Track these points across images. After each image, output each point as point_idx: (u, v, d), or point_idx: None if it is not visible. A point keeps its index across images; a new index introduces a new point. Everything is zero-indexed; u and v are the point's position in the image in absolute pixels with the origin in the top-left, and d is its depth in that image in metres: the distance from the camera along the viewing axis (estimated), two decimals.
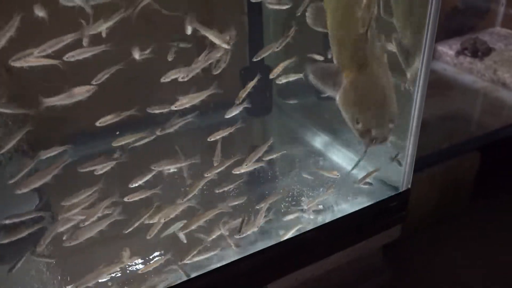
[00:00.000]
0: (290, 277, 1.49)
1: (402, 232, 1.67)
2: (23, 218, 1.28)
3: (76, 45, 1.12)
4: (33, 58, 1.06)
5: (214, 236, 1.40)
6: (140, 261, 1.40)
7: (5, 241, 1.24)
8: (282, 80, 1.63)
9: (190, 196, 1.38)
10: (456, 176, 1.98)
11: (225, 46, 1.21)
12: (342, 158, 1.84)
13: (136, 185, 1.33)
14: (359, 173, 1.72)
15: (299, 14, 1.48)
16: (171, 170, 1.41)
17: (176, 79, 1.30)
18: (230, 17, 1.83)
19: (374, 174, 1.68)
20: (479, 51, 2.67)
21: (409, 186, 1.62)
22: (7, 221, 1.25)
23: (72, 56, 1.11)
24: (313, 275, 1.53)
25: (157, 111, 1.32)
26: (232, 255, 1.39)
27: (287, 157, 1.74)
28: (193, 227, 1.36)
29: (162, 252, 1.41)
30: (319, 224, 1.49)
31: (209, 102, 1.43)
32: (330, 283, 1.58)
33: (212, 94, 1.42)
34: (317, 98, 1.98)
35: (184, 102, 1.33)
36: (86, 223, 1.26)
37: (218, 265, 1.34)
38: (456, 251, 1.74)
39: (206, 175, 1.41)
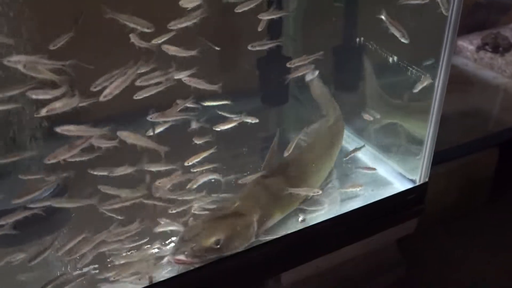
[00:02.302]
0: (305, 267, 1.48)
1: (418, 226, 1.65)
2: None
3: None
4: None
5: None
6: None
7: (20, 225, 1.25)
8: None
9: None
10: (474, 171, 1.96)
11: (146, 30, 1.16)
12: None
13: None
14: (376, 165, 1.71)
15: None
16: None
17: None
18: None
19: (392, 167, 1.67)
20: (500, 47, 2.62)
21: (427, 179, 1.60)
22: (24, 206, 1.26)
23: None
24: (328, 266, 1.52)
25: None
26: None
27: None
28: None
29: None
30: (335, 215, 1.47)
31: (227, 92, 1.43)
32: (345, 274, 1.57)
33: (231, 84, 1.42)
34: (334, 89, 1.97)
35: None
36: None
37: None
38: (473, 246, 1.71)
39: None
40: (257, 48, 1.41)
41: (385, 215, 1.57)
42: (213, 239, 1.26)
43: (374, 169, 1.67)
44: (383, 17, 1.39)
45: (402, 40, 1.40)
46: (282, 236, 1.41)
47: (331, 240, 1.50)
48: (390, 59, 1.72)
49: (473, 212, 1.86)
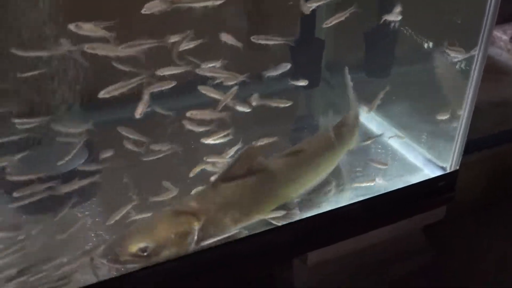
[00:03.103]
0: (331, 248, 1.49)
1: (447, 214, 1.64)
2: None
3: None
4: None
5: None
6: None
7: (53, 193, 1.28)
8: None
9: None
10: (505, 162, 1.93)
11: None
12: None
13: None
14: (408, 155, 1.70)
15: None
16: None
17: None
18: None
19: (422, 153, 1.66)
20: None
21: (458, 167, 1.59)
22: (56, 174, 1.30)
23: None
24: (354, 249, 1.53)
25: None
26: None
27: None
28: None
29: None
30: (364, 198, 1.48)
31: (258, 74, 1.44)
32: (370, 258, 1.58)
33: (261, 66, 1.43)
34: (366, 75, 1.96)
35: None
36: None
37: (263, 229, 1.35)
38: (502, 237, 1.70)
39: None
40: (260, 42, 1.38)
41: (414, 201, 1.57)
42: (139, 246, 1.16)
43: (386, 164, 1.63)
44: None
45: None
46: (310, 216, 1.42)
47: (359, 223, 1.51)
48: (426, 45, 1.70)
49: (501, 202, 1.85)
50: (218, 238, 1.26)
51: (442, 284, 1.57)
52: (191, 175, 1.42)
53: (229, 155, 1.43)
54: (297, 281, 1.54)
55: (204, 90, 1.25)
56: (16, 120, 1.24)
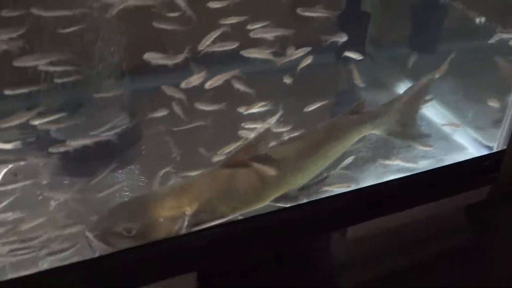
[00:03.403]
0: (371, 224, 1.49)
1: (490, 195, 1.61)
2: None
3: None
4: None
5: None
6: None
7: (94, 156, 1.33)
8: None
9: None
10: None
11: None
12: (432, 112, 1.78)
13: None
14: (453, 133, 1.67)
15: None
16: None
17: None
18: None
19: (469, 132, 1.63)
20: None
21: (505, 147, 1.55)
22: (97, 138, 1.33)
23: None
24: (394, 225, 1.52)
25: None
26: None
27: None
28: None
29: None
30: (407, 174, 1.46)
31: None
32: (410, 235, 1.57)
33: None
34: (410, 49, 1.91)
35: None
36: None
37: (304, 200, 1.35)
38: None
39: None
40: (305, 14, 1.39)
41: (458, 180, 1.54)
42: (125, 226, 1.11)
43: (431, 146, 1.59)
44: None
45: None
46: (351, 190, 1.42)
47: (401, 200, 1.50)
48: (477, 21, 1.64)
49: None
50: (214, 223, 1.21)
51: (480, 265, 1.55)
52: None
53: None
54: (335, 255, 1.55)
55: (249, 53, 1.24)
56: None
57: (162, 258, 1.19)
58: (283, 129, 1.45)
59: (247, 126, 1.43)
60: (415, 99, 1.58)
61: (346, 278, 1.44)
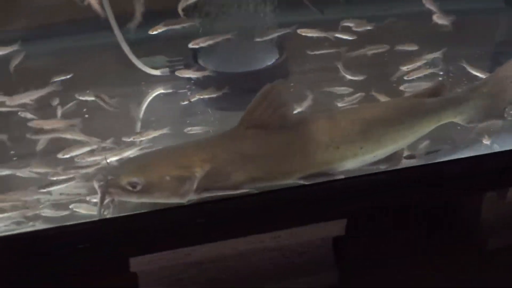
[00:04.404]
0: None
1: None
2: None
3: None
4: None
5: None
6: None
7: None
8: None
9: None
10: None
11: None
12: None
13: None
14: None
15: None
16: None
17: None
18: None
19: None
20: None
21: None
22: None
23: None
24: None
25: None
26: None
27: None
28: None
29: None
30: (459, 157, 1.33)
31: None
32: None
33: None
34: None
35: None
36: None
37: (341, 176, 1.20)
38: None
39: None
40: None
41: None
42: (130, 179, 1.07)
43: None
44: None
45: None
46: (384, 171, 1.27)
47: (448, 183, 1.33)
48: None
49: None
50: (226, 194, 1.10)
51: None
52: None
53: None
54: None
55: None
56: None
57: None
58: None
59: None
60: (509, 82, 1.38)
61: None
